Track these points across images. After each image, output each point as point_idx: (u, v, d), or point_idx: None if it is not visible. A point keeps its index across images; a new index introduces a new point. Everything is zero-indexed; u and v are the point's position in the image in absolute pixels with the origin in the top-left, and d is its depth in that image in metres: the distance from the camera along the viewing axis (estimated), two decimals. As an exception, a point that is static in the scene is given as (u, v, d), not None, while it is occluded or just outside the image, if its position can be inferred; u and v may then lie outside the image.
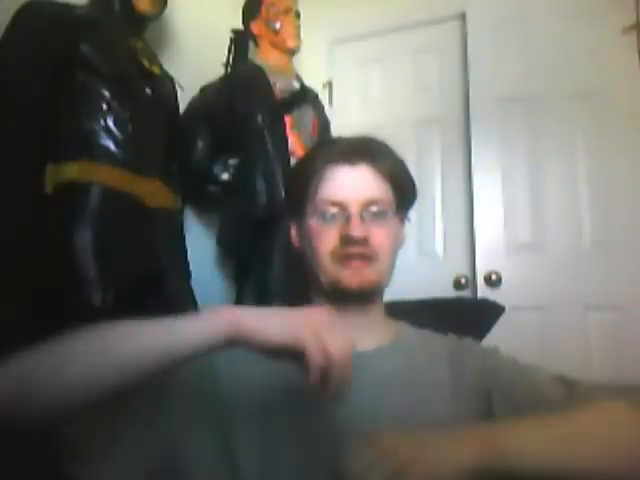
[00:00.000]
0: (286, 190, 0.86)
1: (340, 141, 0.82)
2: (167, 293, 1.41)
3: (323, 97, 2.20)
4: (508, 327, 1.70)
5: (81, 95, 1.33)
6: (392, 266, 0.81)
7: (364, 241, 0.75)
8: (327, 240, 0.76)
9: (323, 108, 2.05)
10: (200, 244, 1.82)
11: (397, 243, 0.82)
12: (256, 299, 1.68)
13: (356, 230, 0.74)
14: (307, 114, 1.89)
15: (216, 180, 1.81)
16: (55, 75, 1.30)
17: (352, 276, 0.75)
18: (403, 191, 0.82)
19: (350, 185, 0.77)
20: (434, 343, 0.83)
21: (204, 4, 2.06)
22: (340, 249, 0.75)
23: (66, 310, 1.18)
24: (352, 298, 0.77)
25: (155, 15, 1.59)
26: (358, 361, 0.73)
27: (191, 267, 1.59)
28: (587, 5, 2.05)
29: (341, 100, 2.45)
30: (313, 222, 0.78)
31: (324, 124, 1.99)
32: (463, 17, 2.21)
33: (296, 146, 1.79)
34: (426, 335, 0.85)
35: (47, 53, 1.29)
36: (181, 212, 1.68)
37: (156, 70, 1.55)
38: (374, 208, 0.77)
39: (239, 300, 1.76)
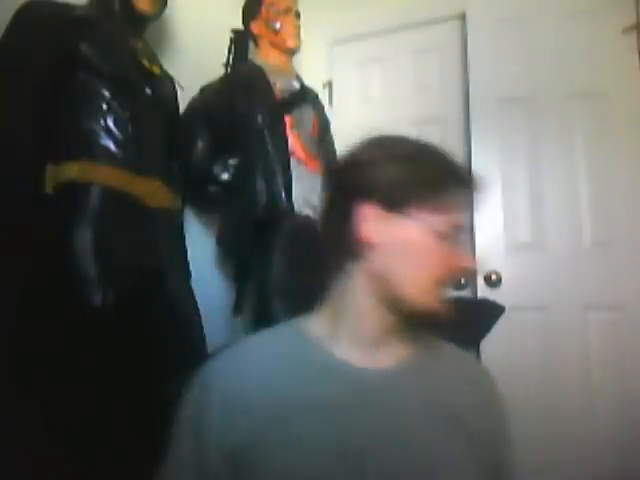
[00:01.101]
0: (400, 178, 0.71)
1: (459, 166, 0.75)
2: (167, 293, 1.41)
3: (323, 97, 2.20)
4: (508, 327, 1.71)
5: (81, 95, 1.32)
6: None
7: (469, 269, 0.72)
8: (434, 262, 0.69)
9: (323, 108, 2.05)
10: (200, 244, 1.82)
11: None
12: (256, 299, 1.68)
13: (471, 262, 0.72)
14: (307, 114, 1.89)
15: (216, 180, 1.81)
16: (55, 75, 1.29)
17: (443, 304, 0.70)
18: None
19: (462, 210, 0.73)
20: (460, 367, 0.80)
21: (204, 4, 2.06)
22: (446, 274, 0.70)
23: (66, 310, 1.18)
24: (433, 325, 0.73)
25: (155, 15, 1.59)
26: (381, 382, 0.71)
27: (191, 267, 1.59)
28: (587, 5, 2.05)
29: (341, 100, 2.45)
30: (423, 236, 0.69)
31: (324, 124, 1.99)
32: (463, 17, 2.21)
33: (296, 146, 1.79)
34: (448, 353, 0.81)
35: (47, 53, 1.29)
36: (181, 212, 1.68)
37: (156, 70, 1.55)
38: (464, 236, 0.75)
39: (239, 300, 1.76)
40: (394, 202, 0.70)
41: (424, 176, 0.71)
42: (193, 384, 0.75)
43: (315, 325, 0.77)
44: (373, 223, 0.70)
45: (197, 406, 0.72)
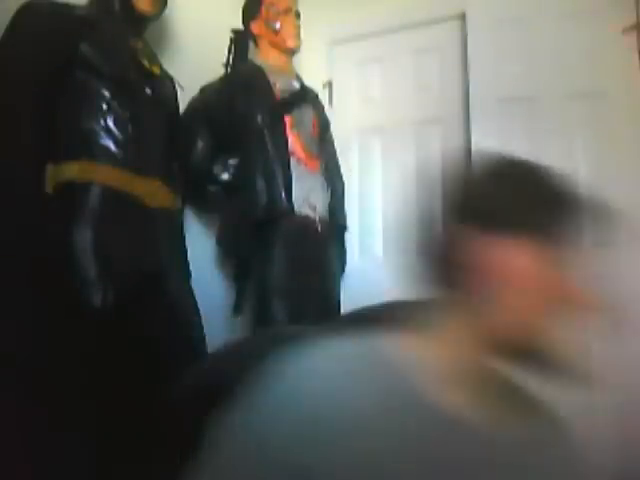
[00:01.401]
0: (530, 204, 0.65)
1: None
2: (167, 293, 1.41)
3: (323, 97, 2.20)
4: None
5: (81, 95, 1.33)
6: None
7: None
8: (540, 290, 0.62)
9: (323, 108, 2.05)
10: (200, 244, 1.82)
11: None
12: (256, 299, 1.68)
13: (589, 297, 0.64)
14: (307, 114, 1.89)
15: (216, 180, 1.81)
16: (55, 75, 1.30)
17: (563, 341, 0.62)
18: None
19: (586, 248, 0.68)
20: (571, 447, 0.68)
21: (204, 4, 2.06)
22: (572, 302, 0.64)
23: (66, 310, 1.18)
24: (531, 363, 0.62)
25: (155, 15, 1.59)
26: (495, 444, 0.58)
27: (191, 267, 1.59)
28: (587, 5, 2.05)
29: (341, 100, 2.45)
30: (530, 261, 0.61)
31: (324, 124, 1.99)
32: (463, 17, 2.21)
33: (296, 146, 1.79)
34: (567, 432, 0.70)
35: (47, 53, 1.29)
36: (181, 212, 1.68)
37: (156, 70, 1.55)
38: None
39: (239, 300, 1.76)
40: (503, 225, 0.62)
41: (541, 198, 0.65)
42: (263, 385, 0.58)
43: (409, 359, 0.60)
44: (480, 246, 0.60)
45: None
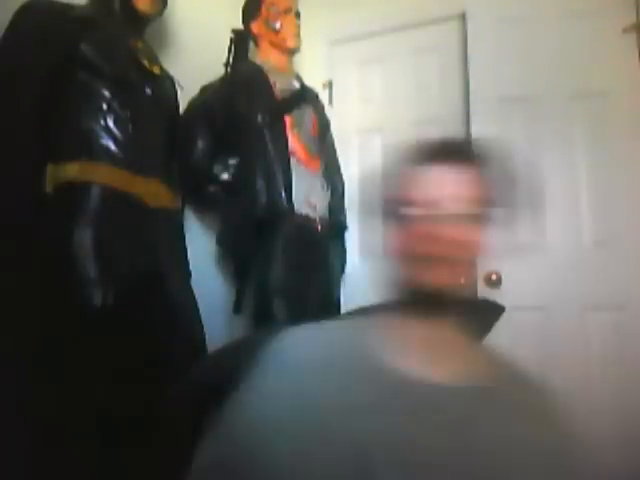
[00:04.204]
0: (379, 191, 0.78)
1: (435, 141, 0.77)
2: (167, 293, 1.41)
3: (323, 97, 2.20)
4: (508, 327, 1.71)
5: (81, 95, 1.33)
6: (474, 273, 0.76)
7: (453, 240, 0.70)
8: (415, 240, 0.71)
9: (323, 108, 2.05)
10: (200, 244, 1.82)
11: (485, 248, 0.75)
12: (256, 299, 1.68)
13: (445, 228, 0.70)
14: (307, 114, 1.89)
15: (216, 180, 1.81)
16: (55, 75, 1.30)
17: (435, 277, 0.70)
18: (498, 194, 0.76)
19: (441, 184, 0.73)
20: (534, 395, 0.75)
21: (204, 4, 2.06)
22: (427, 249, 0.70)
23: (66, 310, 1.18)
24: (432, 304, 0.71)
25: (155, 15, 1.59)
26: (435, 398, 0.67)
27: (191, 267, 1.59)
28: (587, 5, 2.05)
29: (341, 100, 2.45)
30: (403, 222, 0.73)
31: (324, 124, 1.99)
32: (463, 17, 2.21)
33: (296, 146, 1.79)
34: (526, 380, 0.76)
35: (47, 53, 1.29)
36: (181, 212, 1.68)
37: (156, 70, 1.55)
38: (465, 209, 0.71)
39: (239, 299, 1.76)
40: (388, 214, 0.76)
41: (390, 176, 0.77)
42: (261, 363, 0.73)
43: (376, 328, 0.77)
44: (386, 238, 0.76)
45: (250, 386, 0.72)
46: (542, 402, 0.75)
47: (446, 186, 0.72)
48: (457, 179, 0.73)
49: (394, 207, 0.74)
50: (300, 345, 0.74)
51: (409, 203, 0.72)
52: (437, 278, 0.70)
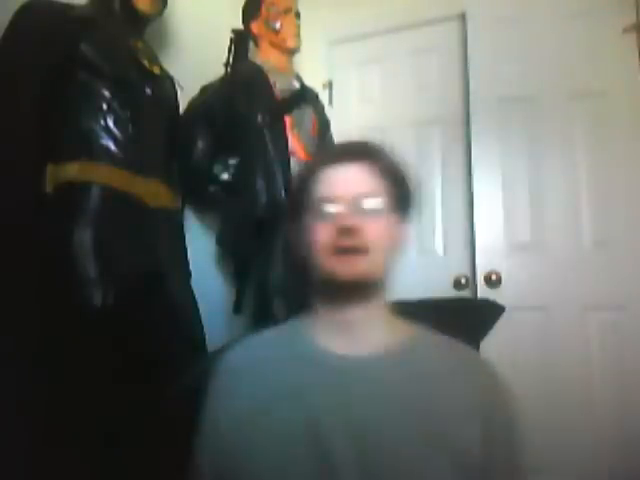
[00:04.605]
0: (287, 195, 0.92)
1: (336, 144, 0.88)
2: (167, 293, 1.41)
3: (323, 97, 2.20)
4: (508, 327, 1.71)
5: (81, 95, 1.32)
6: (390, 262, 0.82)
7: (356, 231, 0.76)
8: (323, 235, 0.78)
9: (323, 108, 2.04)
10: (200, 244, 1.82)
11: (394, 240, 0.83)
12: (256, 299, 1.68)
13: (348, 220, 0.76)
14: (307, 114, 1.89)
15: (216, 180, 1.81)
16: (55, 75, 1.29)
17: (345, 267, 0.76)
18: (398, 189, 0.83)
19: (343, 182, 0.80)
20: (451, 358, 0.80)
21: (204, 4, 2.06)
22: (334, 241, 0.77)
23: (67, 310, 1.18)
24: (346, 291, 0.79)
25: (155, 15, 1.59)
26: (352, 367, 0.77)
27: (191, 267, 1.59)
28: (587, 5, 2.05)
29: (341, 100, 2.45)
30: (311, 220, 0.81)
31: (324, 124, 1.99)
32: (463, 17, 2.21)
33: (296, 146, 1.79)
34: (443, 344, 0.82)
35: (47, 53, 1.29)
36: (181, 212, 1.68)
37: (156, 70, 1.55)
38: (367, 203, 0.79)
39: (239, 299, 1.76)
40: (295, 214, 0.85)
41: (296, 180, 0.88)
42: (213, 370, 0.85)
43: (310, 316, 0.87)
44: (294, 237, 0.87)
45: (210, 392, 0.83)
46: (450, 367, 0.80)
47: (351, 183, 0.80)
48: (360, 177, 0.80)
49: (308, 206, 0.81)
50: (239, 348, 0.86)
51: (319, 201, 0.80)
52: (353, 269, 0.76)
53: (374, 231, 0.78)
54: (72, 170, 1.28)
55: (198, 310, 1.52)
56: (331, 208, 0.79)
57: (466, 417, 0.73)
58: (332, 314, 0.82)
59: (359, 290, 0.79)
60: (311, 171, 0.84)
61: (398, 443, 0.70)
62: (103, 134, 1.33)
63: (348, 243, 0.76)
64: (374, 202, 0.79)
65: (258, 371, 0.80)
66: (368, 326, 0.80)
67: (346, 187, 0.79)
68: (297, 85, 1.91)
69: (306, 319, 0.87)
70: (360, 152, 0.83)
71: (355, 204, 0.78)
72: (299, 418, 0.73)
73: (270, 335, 0.89)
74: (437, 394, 0.75)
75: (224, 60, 1.92)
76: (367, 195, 0.79)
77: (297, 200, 0.85)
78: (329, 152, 0.88)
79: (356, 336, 0.80)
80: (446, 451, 0.70)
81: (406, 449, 0.70)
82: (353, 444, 0.70)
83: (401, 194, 0.84)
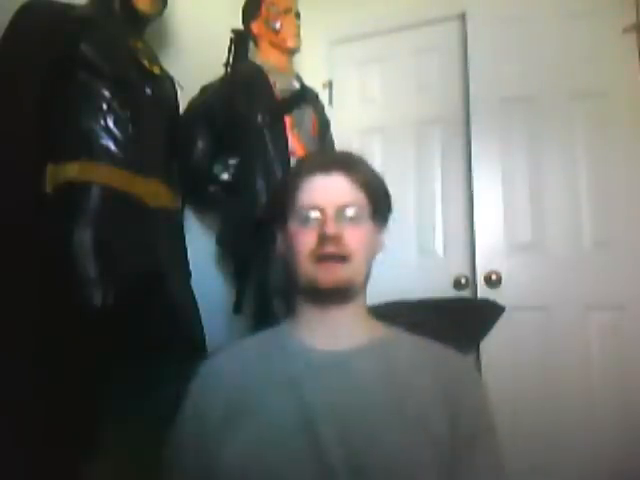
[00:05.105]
0: (271, 202, 0.93)
1: (318, 154, 0.94)
2: (167, 293, 1.41)
3: (323, 97, 2.20)
4: (508, 327, 1.71)
5: (81, 95, 1.32)
6: (367, 268, 0.87)
7: (338, 239, 0.80)
8: (305, 241, 0.82)
9: (323, 108, 2.04)
10: (200, 244, 1.82)
11: (372, 247, 0.87)
12: (256, 299, 1.68)
13: (330, 228, 0.80)
14: (307, 114, 1.89)
15: (216, 180, 1.81)
16: (55, 75, 1.29)
17: (327, 275, 0.80)
18: (377, 199, 0.88)
19: (325, 191, 0.84)
20: (422, 351, 0.86)
21: (204, 4, 2.06)
22: (316, 249, 0.81)
23: (67, 310, 1.18)
24: (327, 296, 0.83)
25: (155, 15, 1.59)
26: (333, 360, 0.81)
27: (191, 267, 1.59)
28: (587, 5, 2.05)
29: (341, 100, 2.45)
30: (293, 227, 0.85)
31: (324, 124, 1.99)
32: (463, 17, 2.21)
33: (296, 146, 1.79)
34: (415, 341, 0.88)
35: (47, 53, 1.29)
36: (181, 212, 1.68)
37: (156, 70, 1.55)
38: (348, 212, 0.83)
39: (239, 300, 1.75)
40: (278, 220, 0.89)
41: (279, 187, 0.93)
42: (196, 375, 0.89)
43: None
44: (278, 242, 0.92)
45: (191, 393, 0.87)
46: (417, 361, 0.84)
47: (333, 192, 0.84)
48: (341, 186, 0.84)
49: (290, 212, 0.85)
50: (222, 353, 0.91)
51: (301, 209, 0.84)
52: (334, 276, 0.80)
53: (354, 239, 0.82)
54: (72, 170, 1.28)
55: (198, 310, 1.52)
56: (314, 215, 0.83)
57: (434, 402, 0.78)
58: (314, 314, 0.86)
59: (339, 295, 0.83)
60: (294, 178, 0.88)
61: (377, 424, 0.75)
62: (103, 134, 1.33)
63: (330, 250, 0.80)
64: (355, 211, 0.84)
65: (244, 369, 0.84)
66: (348, 325, 0.85)
67: (328, 196, 0.84)
68: (297, 85, 1.91)
69: (290, 321, 0.92)
70: (342, 162, 0.87)
71: (337, 213, 0.82)
72: (288, 408, 0.77)
73: (253, 340, 0.93)
74: (409, 382, 0.80)
75: (224, 60, 1.91)
76: (348, 204, 0.84)
77: (281, 206, 0.88)
78: (312, 160, 0.92)
79: (337, 334, 0.84)
80: (419, 430, 0.75)
81: (384, 429, 0.75)
82: (338, 427, 0.74)
83: (379, 204, 0.88)
